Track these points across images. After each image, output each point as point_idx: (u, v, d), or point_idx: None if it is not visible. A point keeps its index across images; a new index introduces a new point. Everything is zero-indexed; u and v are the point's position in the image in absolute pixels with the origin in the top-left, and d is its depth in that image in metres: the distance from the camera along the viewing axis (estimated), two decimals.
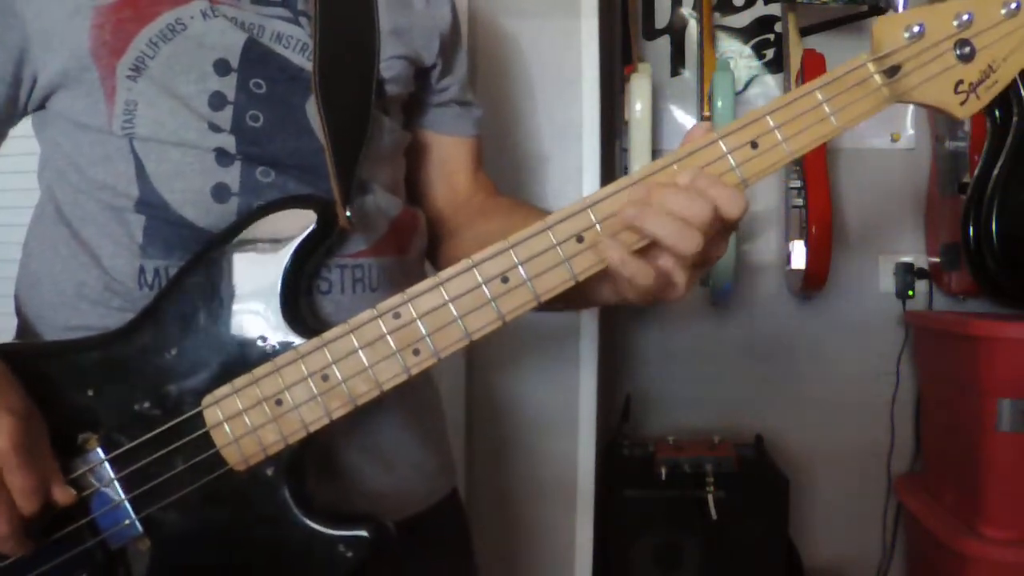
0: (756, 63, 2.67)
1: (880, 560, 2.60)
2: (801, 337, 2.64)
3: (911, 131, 2.58)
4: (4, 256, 1.62)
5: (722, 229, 0.85)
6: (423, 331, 0.85)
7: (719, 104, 2.29)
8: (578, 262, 0.85)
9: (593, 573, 1.87)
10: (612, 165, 2.34)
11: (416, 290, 0.86)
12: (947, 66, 0.87)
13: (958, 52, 0.87)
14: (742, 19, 2.67)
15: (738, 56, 2.66)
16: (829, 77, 0.86)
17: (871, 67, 0.86)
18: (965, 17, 0.86)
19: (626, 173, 2.20)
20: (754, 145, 0.85)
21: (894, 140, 2.57)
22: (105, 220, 0.95)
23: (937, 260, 2.45)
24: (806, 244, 2.31)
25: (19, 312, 1.02)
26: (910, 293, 2.54)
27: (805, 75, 2.35)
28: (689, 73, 2.67)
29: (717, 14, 2.65)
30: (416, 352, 0.86)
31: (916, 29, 0.86)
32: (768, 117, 0.85)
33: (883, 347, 2.57)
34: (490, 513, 1.84)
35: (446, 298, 0.85)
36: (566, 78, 1.84)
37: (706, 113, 2.54)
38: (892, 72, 0.87)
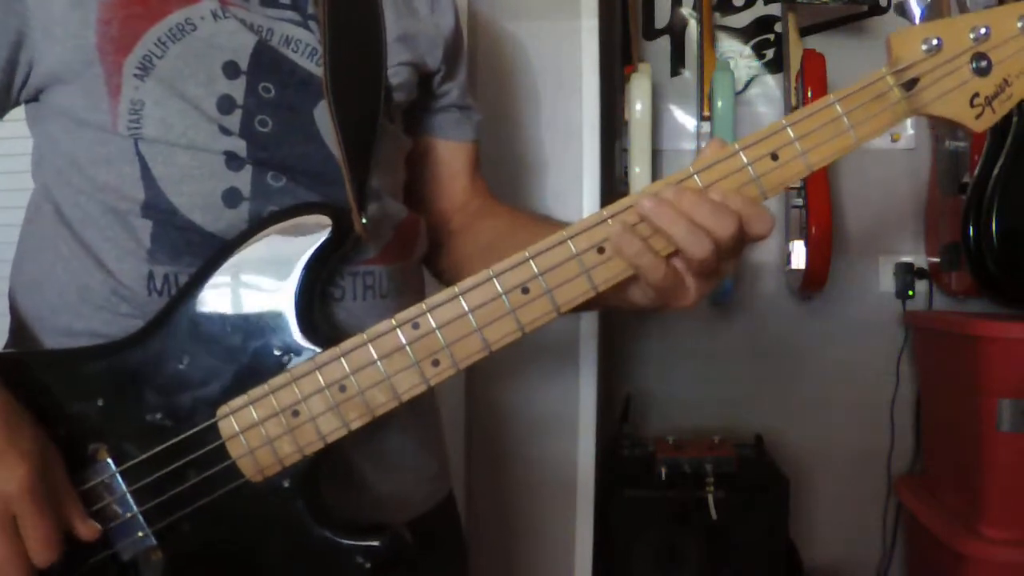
0: (756, 63, 2.66)
1: (880, 560, 2.60)
2: (801, 337, 2.63)
3: (911, 131, 2.57)
4: None
5: (739, 245, 0.85)
6: (443, 342, 0.84)
7: (719, 104, 2.29)
8: (599, 273, 0.84)
9: (593, 573, 1.86)
10: (612, 165, 2.34)
11: (435, 301, 0.84)
12: (964, 80, 0.87)
13: (974, 66, 0.87)
14: (742, 19, 2.67)
15: (738, 56, 2.65)
16: (848, 90, 0.85)
17: (890, 80, 0.86)
18: (982, 31, 0.87)
19: (626, 173, 2.22)
20: (774, 157, 0.84)
21: (894, 140, 2.57)
22: (108, 223, 0.93)
23: (937, 260, 2.44)
24: (806, 244, 2.31)
25: (14, 313, 0.99)
26: (910, 293, 2.53)
27: (805, 75, 2.35)
28: (689, 73, 2.67)
29: (717, 14, 2.65)
30: (435, 363, 0.85)
31: (934, 43, 0.86)
32: (788, 129, 0.85)
33: (883, 347, 2.56)
34: (490, 513, 1.84)
35: (465, 309, 0.84)
36: (566, 78, 1.84)
37: (706, 113, 2.53)
38: (910, 85, 0.87)
